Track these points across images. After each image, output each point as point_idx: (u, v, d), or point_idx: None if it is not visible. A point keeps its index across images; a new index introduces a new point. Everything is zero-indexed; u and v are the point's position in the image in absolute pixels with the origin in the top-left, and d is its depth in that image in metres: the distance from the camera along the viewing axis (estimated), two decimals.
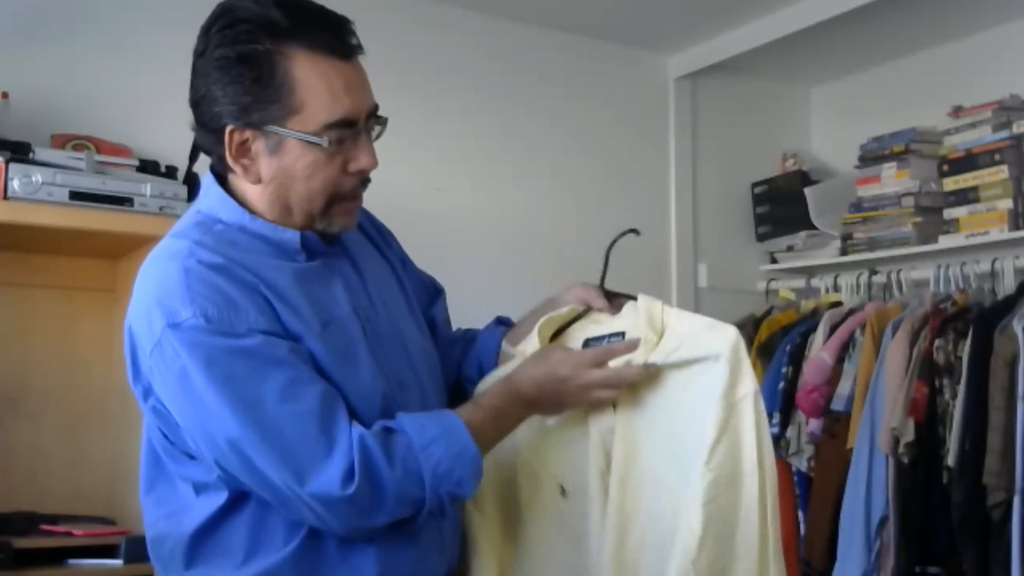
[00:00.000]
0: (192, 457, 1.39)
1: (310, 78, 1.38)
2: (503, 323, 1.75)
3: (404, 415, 1.40)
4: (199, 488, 1.41)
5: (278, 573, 1.37)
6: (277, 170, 1.41)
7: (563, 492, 1.54)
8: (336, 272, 1.48)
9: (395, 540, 1.40)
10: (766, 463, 1.41)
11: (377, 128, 1.46)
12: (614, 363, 1.48)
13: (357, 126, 1.42)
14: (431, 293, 1.75)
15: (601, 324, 1.58)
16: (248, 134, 1.40)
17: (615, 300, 1.61)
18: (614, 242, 1.63)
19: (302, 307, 1.39)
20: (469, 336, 1.75)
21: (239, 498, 1.38)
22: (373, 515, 1.34)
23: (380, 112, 1.46)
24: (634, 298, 1.56)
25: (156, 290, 1.37)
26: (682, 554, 1.37)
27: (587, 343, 1.56)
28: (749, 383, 1.40)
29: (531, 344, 1.57)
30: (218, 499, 1.39)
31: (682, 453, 1.43)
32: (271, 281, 1.39)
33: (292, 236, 1.44)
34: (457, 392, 1.67)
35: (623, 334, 1.52)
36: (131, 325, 1.40)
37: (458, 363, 1.71)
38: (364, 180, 1.46)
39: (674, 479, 1.43)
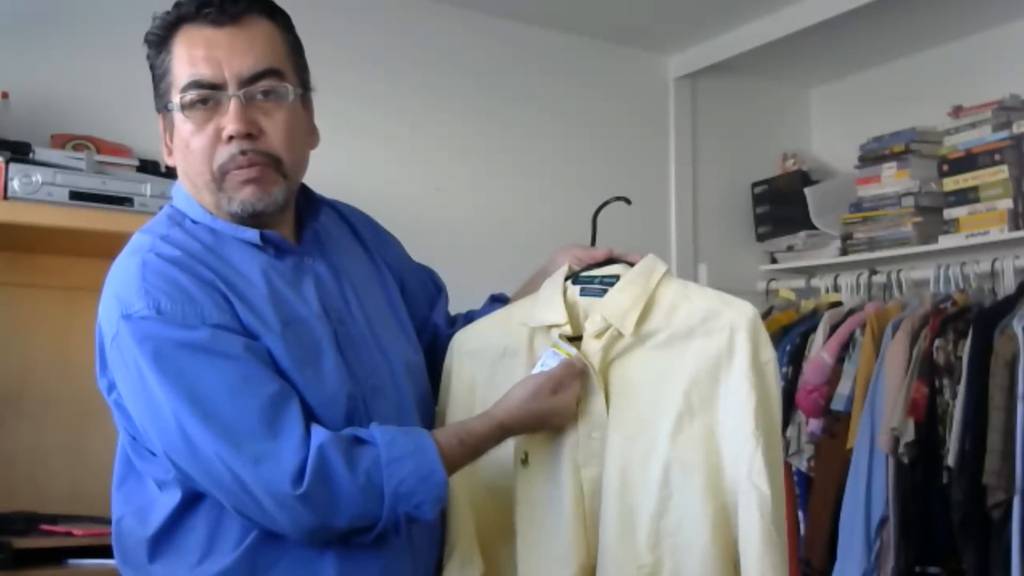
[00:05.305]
0: (153, 454, 1.38)
1: (179, 48, 1.42)
2: (498, 300, 1.77)
3: (377, 427, 1.37)
4: (161, 485, 1.40)
5: (231, 574, 1.36)
6: (176, 148, 1.45)
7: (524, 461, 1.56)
8: (308, 272, 1.47)
9: (357, 547, 1.36)
10: (780, 420, 1.55)
11: (261, 95, 1.40)
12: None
13: (221, 90, 1.39)
14: (431, 293, 1.74)
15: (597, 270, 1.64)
16: (161, 117, 1.46)
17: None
18: (600, 208, 1.67)
19: (262, 305, 1.38)
20: (467, 319, 1.75)
21: (195, 498, 1.37)
22: (326, 518, 1.31)
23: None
24: (632, 265, 1.61)
25: (116, 284, 1.38)
26: (761, 518, 1.45)
27: (577, 278, 1.61)
28: (769, 351, 1.52)
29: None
30: (174, 498, 1.38)
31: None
32: (231, 279, 1.38)
33: (252, 235, 1.44)
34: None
35: (617, 277, 1.58)
36: (100, 321, 1.41)
37: None
38: (244, 150, 1.39)
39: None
